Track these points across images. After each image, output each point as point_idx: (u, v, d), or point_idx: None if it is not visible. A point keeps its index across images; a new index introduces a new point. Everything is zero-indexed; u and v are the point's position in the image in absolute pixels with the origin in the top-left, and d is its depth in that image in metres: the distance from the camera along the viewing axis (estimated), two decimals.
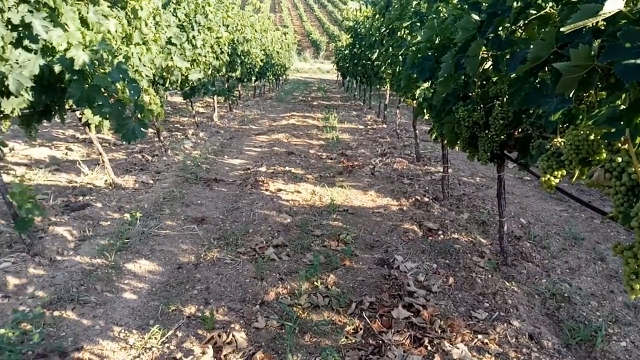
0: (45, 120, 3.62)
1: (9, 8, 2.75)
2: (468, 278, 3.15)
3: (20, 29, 2.86)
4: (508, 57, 2.17)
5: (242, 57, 11.09)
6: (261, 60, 13.63)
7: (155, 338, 2.41)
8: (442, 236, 3.86)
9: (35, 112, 3.48)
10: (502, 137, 2.67)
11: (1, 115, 3.08)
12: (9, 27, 2.77)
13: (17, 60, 2.81)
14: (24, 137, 6.50)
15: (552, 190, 1.96)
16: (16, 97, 2.89)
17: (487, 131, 2.72)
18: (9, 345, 2.21)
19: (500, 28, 2.30)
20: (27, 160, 5.79)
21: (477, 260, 3.39)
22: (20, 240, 3.30)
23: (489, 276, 3.16)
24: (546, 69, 1.91)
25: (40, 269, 3.04)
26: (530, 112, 2.37)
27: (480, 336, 2.49)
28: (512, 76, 2.35)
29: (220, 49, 8.64)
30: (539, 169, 2.00)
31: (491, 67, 2.53)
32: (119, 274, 3.09)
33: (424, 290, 2.95)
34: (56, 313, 2.58)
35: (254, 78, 13.25)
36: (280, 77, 24.30)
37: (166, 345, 2.38)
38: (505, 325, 2.58)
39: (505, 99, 2.62)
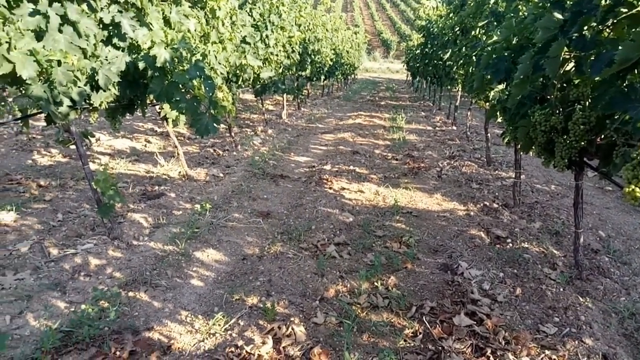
0: (128, 114, 3.88)
1: (102, 9, 2.97)
2: (537, 290, 3.00)
3: (110, 28, 3.08)
4: (593, 58, 2.05)
5: (313, 56, 11.22)
6: (331, 60, 13.73)
7: (219, 325, 2.51)
8: (510, 244, 3.70)
9: (120, 106, 3.73)
10: (582, 143, 2.51)
11: (90, 108, 3.34)
12: (101, 26, 3.00)
13: (106, 57, 3.05)
14: (109, 129, 7.02)
15: (637, 203, 1.82)
16: (104, 91, 3.12)
17: (565, 136, 2.57)
18: (88, 320, 2.40)
19: (585, 27, 2.17)
20: (111, 151, 6.23)
21: (548, 272, 3.22)
22: (102, 224, 3.56)
23: (561, 289, 2.99)
24: (635, 71, 1.79)
25: (118, 251, 3.26)
26: (616, 117, 2.22)
27: (547, 352, 2.37)
28: (596, 79, 2.22)
29: (292, 48, 8.79)
30: (623, 179, 1.86)
31: (573, 69, 2.39)
32: (188, 261, 3.25)
33: (488, 299, 2.84)
34: (131, 294, 2.76)
35: (322, 77, 13.37)
36: (349, 77, 24.32)
37: (229, 332, 2.47)
38: (577, 342, 2.43)
39: (587, 102, 2.46)
